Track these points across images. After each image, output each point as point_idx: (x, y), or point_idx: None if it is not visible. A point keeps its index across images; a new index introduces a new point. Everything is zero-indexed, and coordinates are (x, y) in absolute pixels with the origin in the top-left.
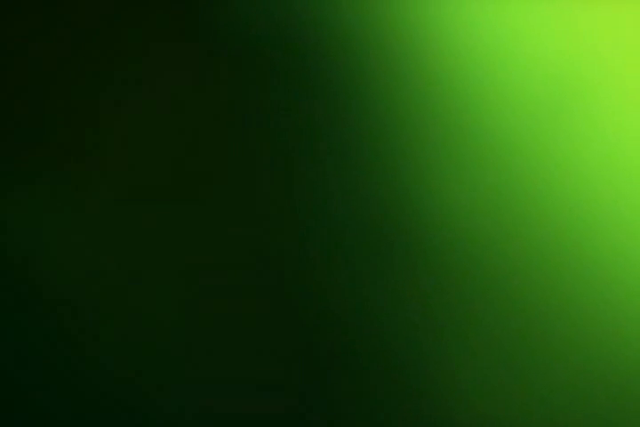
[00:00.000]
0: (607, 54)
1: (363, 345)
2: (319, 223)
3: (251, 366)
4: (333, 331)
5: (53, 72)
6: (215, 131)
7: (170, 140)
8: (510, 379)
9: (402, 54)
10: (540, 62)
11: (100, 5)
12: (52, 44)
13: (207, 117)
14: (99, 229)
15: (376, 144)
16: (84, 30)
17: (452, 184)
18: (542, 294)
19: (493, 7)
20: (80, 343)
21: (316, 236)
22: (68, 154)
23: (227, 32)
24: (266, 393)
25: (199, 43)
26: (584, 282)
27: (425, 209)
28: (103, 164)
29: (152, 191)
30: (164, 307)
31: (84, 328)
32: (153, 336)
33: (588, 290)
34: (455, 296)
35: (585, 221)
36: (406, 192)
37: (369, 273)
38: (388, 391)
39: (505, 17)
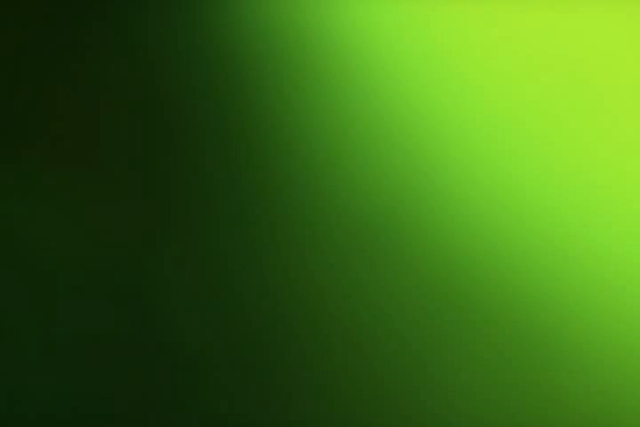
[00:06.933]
0: (601, 55)
1: (364, 345)
2: (317, 226)
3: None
4: (332, 332)
5: (52, 74)
6: (212, 132)
7: (167, 141)
8: (511, 380)
9: (395, 55)
10: (535, 62)
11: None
12: (50, 57)
13: (200, 118)
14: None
15: (373, 144)
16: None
17: (452, 185)
18: (543, 296)
19: (492, 6)
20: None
21: (313, 238)
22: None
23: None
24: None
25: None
26: (584, 283)
27: (423, 210)
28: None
29: (150, 191)
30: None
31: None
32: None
33: (588, 290)
34: (455, 297)
35: (585, 223)
36: (404, 193)
37: (367, 274)
38: (389, 392)
39: (502, 19)
